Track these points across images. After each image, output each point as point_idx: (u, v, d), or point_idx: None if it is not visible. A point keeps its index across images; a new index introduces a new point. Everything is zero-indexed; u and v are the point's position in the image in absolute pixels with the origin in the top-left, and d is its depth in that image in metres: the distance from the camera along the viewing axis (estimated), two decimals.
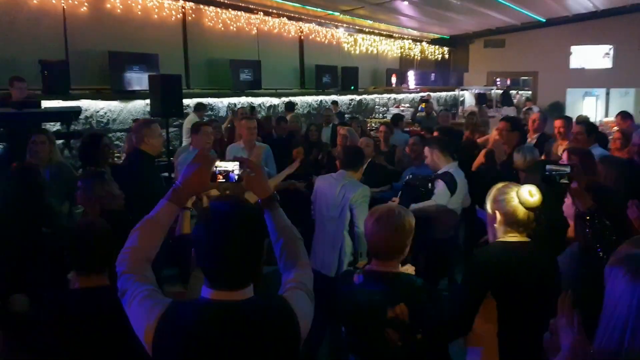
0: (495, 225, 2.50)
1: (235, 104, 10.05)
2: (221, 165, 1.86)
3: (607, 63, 15.22)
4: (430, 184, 4.39)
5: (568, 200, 2.86)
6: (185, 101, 8.78)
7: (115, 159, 5.61)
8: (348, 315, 2.54)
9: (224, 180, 1.87)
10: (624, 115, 6.79)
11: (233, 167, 1.87)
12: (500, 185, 2.56)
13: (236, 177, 1.87)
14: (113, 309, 1.81)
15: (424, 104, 9.40)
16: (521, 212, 2.43)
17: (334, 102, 11.47)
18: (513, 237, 2.46)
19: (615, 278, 1.31)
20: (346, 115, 11.79)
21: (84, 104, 7.42)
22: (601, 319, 1.33)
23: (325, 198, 4.10)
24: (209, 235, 1.58)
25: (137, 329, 1.60)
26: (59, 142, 6.15)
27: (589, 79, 15.21)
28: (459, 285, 2.67)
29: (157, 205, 1.81)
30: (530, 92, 17.15)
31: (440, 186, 4.37)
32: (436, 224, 4.38)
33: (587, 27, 15.09)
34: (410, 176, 4.68)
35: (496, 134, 5.45)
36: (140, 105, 8.28)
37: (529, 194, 2.43)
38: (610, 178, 3.41)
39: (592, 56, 15.47)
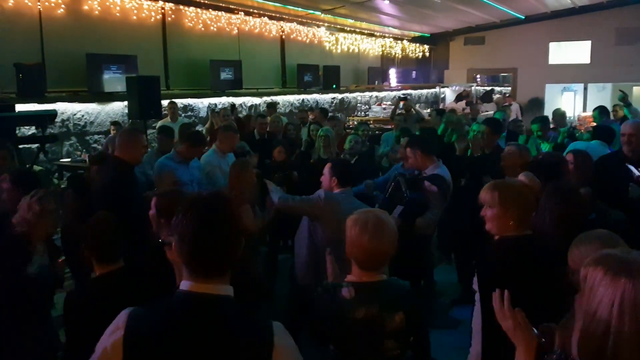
0: (502, 219, 2.48)
1: (215, 104, 10.03)
2: None
3: (585, 59, 15.40)
4: (408, 187, 4.18)
5: None
6: (165, 102, 8.76)
7: None
8: (342, 333, 2.30)
9: None
10: (601, 111, 7.03)
11: None
12: (499, 181, 2.61)
13: None
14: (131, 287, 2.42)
15: (403, 101, 9.43)
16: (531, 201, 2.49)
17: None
18: (525, 231, 2.48)
19: (594, 280, 1.23)
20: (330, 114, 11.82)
21: (60, 106, 7.35)
22: (581, 324, 1.25)
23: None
24: (188, 221, 1.60)
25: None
26: (34, 146, 6.13)
27: (568, 75, 15.36)
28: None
29: None
30: (510, 88, 17.33)
31: (436, 197, 4.25)
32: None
33: (566, 23, 15.24)
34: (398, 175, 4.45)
35: None
36: (119, 107, 8.23)
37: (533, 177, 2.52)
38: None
39: (570, 52, 15.64)
